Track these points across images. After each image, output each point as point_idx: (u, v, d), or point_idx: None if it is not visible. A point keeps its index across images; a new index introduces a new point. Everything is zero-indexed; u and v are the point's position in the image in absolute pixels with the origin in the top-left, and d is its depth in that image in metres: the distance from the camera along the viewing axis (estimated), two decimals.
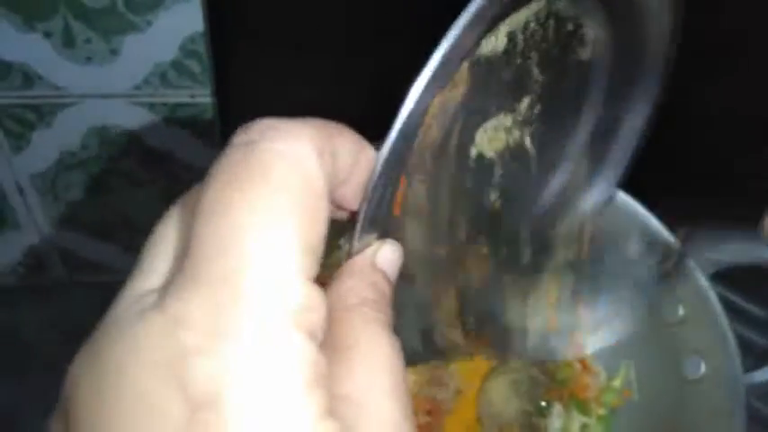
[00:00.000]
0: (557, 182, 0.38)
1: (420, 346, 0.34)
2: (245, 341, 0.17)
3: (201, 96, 0.68)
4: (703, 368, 0.49)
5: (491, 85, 0.29)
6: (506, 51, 0.29)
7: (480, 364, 0.51)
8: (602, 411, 0.52)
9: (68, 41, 0.62)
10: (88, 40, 0.62)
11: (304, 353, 0.17)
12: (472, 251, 0.35)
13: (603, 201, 0.40)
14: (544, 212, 0.38)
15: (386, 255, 0.24)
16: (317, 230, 0.19)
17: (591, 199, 0.39)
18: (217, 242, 0.18)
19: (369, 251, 0.24)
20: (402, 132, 0.23)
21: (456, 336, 0.35)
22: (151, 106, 0.69)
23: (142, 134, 0.72)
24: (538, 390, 0.49)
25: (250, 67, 0.65)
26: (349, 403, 0.19)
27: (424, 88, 0.23)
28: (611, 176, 0.39)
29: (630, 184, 0.47)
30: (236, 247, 0.17)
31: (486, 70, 0.28)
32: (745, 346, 0.49)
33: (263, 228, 0.18)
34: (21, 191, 0.77)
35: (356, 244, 0.24)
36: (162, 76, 0.66)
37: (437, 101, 0.26)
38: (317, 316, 0.18)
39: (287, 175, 0.18)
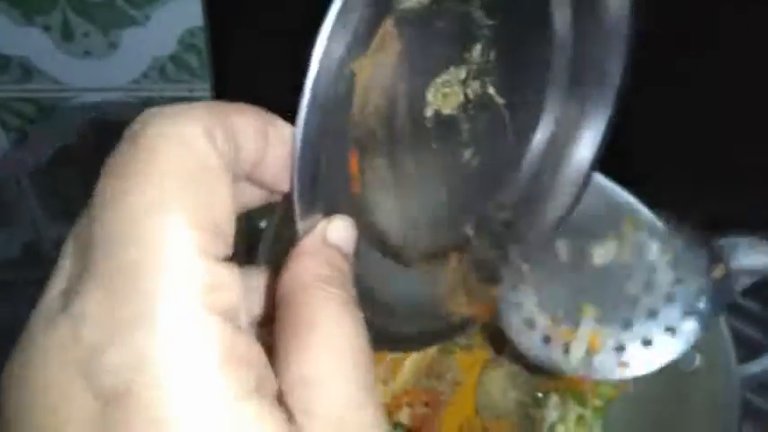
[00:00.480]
0: (542, 135, 0.36)
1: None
2: (149, 328, 0.16)
3: (200, 91, 0.69)
4: (698, 361, 0.50)
5: (428, 39, 0.27)
6: (435, 1, 0.26)
7: (478, 356, 0.51)
8: (598, 403, 0.52)
9: (67, 35, 0.62)
10: (87, 34, 0.62)
11: (216, 333, 0.17)
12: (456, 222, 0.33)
13: (596, 152, 0.37)
14: (535, 171, 0.36)
15: (336, 231, 0.23)
16: (215, 208, 0.18)
17: (583, 152, 0.37)
18: (109, 234, 0.17)
19: (317, 229, 0.23)
20: (313, 100, 0.22)
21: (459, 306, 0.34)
22: (149, 100, 0.69)
23: None
24: (534, 381, 0.50)
25: (249, 61, 0.65)
26: (307, 385, 0.19)
27: (325, 48, 0.22)
28: (600, 122, 0.36)
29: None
30: (129, 236, 0.17)
31: (417, 25, 0.26)
32: (739, 340, 0.49)
33: (154, 212, 0.17)
34: (18, 184, 0.77)
35: (300, 225, 0.23)
36: (161, 70, 0.66)
37: (366, 66, 0.24)
38: (229, 295, 0.18)
39: (174, 157, 0.18)
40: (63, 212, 0.81)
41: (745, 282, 0.49)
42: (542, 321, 0.37)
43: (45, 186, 0.77)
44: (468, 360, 0.51)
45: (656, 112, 0.63)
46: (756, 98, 0.62)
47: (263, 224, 0.45)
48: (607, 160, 0.40)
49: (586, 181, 0.38)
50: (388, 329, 0.30)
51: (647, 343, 0.40)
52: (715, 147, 0.65)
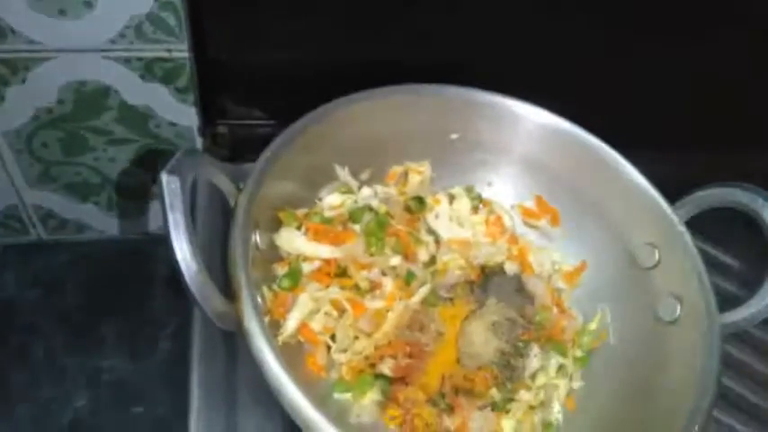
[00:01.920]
0: None
1: None
2: None
3: (178, 51, 0.67)
4: (678, 310, 0.50)
5: None
6: None
7: (459, 308, 0.51)
8: (578, 353, 0.53)
9: None
10: None
11: None
12: None
13: None
14: None
15: None
16: None
17: None
18: None
19: None
20: None
21: None
22: (127, 61, 0.68)
23: (119, 90, 0.71)
24: (516, 332, 0.50)
25: (227, 21, 0.63)
26: None
27: None
28: None
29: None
30: None
31: None
32: (717, 294, 0.50)
33: None
34: None
35: None
36: (137, 30, 0.65)
37: None
38: None
39: None
40: (42, 177, 0.80)
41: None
42: None
43: (23, 150, 0.76)
44: (450, 312, 0.51)
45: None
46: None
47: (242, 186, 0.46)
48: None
49: None
50: None
51: None
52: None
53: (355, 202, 0.55)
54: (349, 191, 0.56)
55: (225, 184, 0.45)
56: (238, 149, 0.69)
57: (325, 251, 0.50)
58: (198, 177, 0.41)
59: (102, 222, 0.89)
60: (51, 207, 0.86)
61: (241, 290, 0.40)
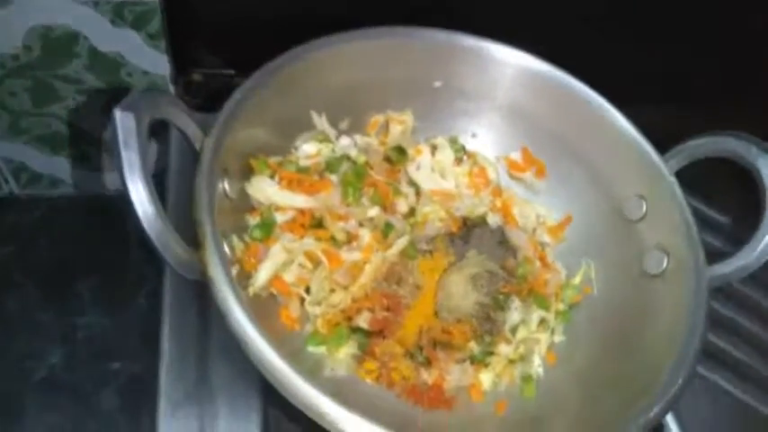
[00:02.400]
0: None
1: None
2: None
3: None
4: (665, 263, 0.49)
5: None
6: None
7: (439, 260, 0.49)
8: (561, 307, 0.51)
9: None
10: None
11: None
12: None
13: None
14: None
15: None
16: None
17: None
18: None
19: None
20: None
21: None
22: (96, 4, 0.65)
23: (88, 36, 0.68)
24: (496, 284, 0.48)
25: None
26: None
27: None
28: None
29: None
30: None
31: None
32: (704, 250, 0.48)
33: None
34: None
35: None
36: None
37: None
38: None
39: None
40: (11, 129, 0.77)
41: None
42: None
43: None
44: (428, 264, 0.49)
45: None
46: None
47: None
48: None
49: None
50: None
51: None
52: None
53: (333, 151, 0.53)
54: (326, 140, 0.53)
55: (191, 128, 0.42)
56: (214, 100, 0.66)
57: (300, 201, 0.48)
58: (169, 125, 0.39)
59: (76, 177, 0.86)
60: (23, 160, 0.83)
61: (205, 236, 0.38)
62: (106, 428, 0.77)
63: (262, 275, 0.45)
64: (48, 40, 0.67)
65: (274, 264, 0.46)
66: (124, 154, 0.33)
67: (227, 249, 0.41)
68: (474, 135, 0.58)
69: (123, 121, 0.34)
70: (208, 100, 0.67)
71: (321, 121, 0.53)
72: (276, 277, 0.46)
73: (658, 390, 0.42)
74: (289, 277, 0.46)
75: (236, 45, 0.65)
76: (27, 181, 0.86)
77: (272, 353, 0.35)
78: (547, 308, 0.50)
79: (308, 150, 0.52)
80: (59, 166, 0.84)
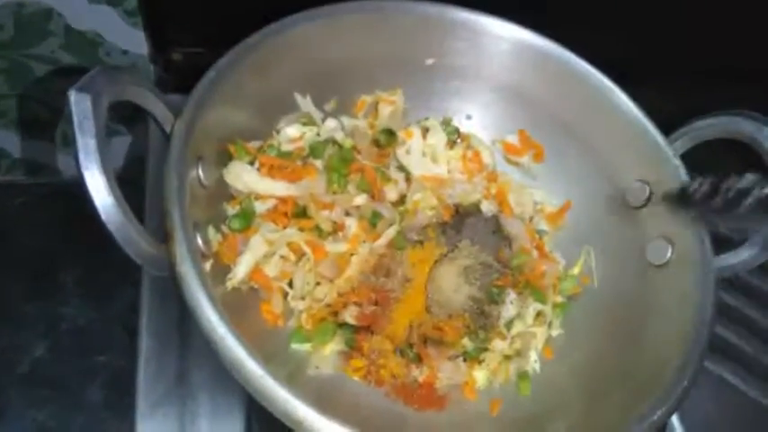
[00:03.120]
0: None
1: None
2: None
3: None
4: (669, 253, 0.46)
5: None
6: None
7: (429, 251, 0.47)
8: (558, 299, 0.48)
9: None
10: None
11: None
12: None
13: None
14: None
15: None
16: None
17: None
18: None
19: None
20: None
21: None
22: None
23: (63, 13, 0.64)
24: (490, 277, 0.45)
25: None
26: None
27: None
28: None
29: None
30: None
31: None
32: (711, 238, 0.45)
33: None
34: None
35: None
36: None
37: None
38: None
39: None
40: None
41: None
42: None
43: None
44: (419, 255, 0.46)
45: None
46: None
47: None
48: None
49: None
50: None
51: None
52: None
53: (317, 134, 0.50)
54: (311, 122, 0.50)
55: (160, 110, 0.39)
56: (196, 80, 0.63)
57: (281, 188, 0.45)
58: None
59: (58, 162, 0.83)
60: (2, 146, 0.80)
61: (174, 228, 0.35)
62: (92, 423, 0.75)
63: (241, 269, 0.42)
64: (20, 17, 0.64)
65: (254, 256, 0.43)
66: (80, 139, 0.30)
67: (200, 242, 0.39)
68: (469, 117, 0.55)
69: (78, 102, 0.31)
70: (189, 80, 0.64)
71: (305, 102, 0.50)
72: (256, 270, 0.43)
73: (663, 389, 0.39)
74: (270, 270, 0.43)
75: (218, 22, 0.61)
76: (7, 167, 0.84)
77: (246, 355, 0.32)
78: (544, 300, 0.47)
79: (291, 134, 0.49)
80: (40, 151, 0.81)
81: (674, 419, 0.52)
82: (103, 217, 0.32)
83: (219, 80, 0.42)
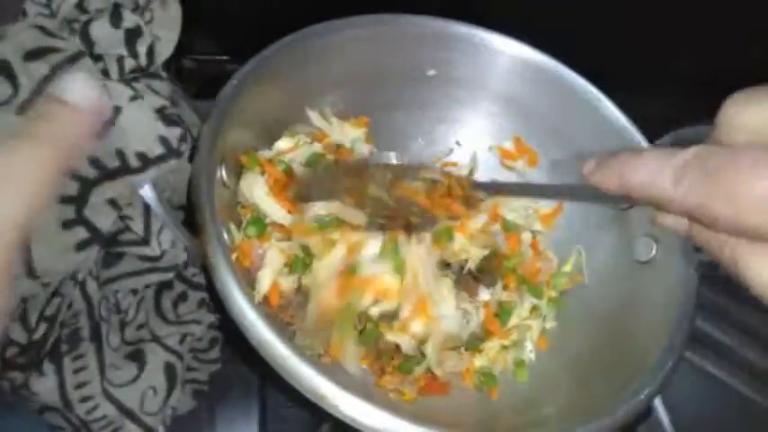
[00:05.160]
0: None
1: None
2: None
3: None
4: (654, 250, 0.49)
5: None
6: None
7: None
8: (552, 294, 0.52)
9: None
10: None
11: None
12: None
13: None
14: None
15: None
16: None
17: None
18: None
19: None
20: None
21: None
22: None
23: None
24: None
25: None
26: None
27: None
28: None
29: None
30: None
31: None
32: None
33: None
34: None
35: None
36: None
37: None
38: None
39: None
40: None
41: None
42: None
43: None
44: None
45: None
46: None
47: None
48: None
49: None
50: None
51: None
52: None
53: (312, 148, 0.51)
54: (309, 135, 0.52)
55: (187, 115, 0.42)
56: (207, 87, 0.66)
57: (280, 216, 0.46)
58: None
59: None
60: None
61: (205, 221, 0.38)
62: None
63: (264, 284, 0.44)
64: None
65: (273, 270, 0.45)
66: None
67: (225, 237, 0.42)
68: (464, 124, 0.58)
69: None
70: (201, 87, 0.66)
71: (316, 117, 0.53)
72: (274, 287, 0.45)
73: (648, 374, 0.42)
74: (286, 283, 0.45)
75: (229, 31, 0.65)
76: None
77: (274, 338, 0.35)
78: (539, 295, 0.51)
79: (282, 146, 0.50)
80: None
81: (660, 411, 0.55)
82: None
83: (241, 88, 0.45)
